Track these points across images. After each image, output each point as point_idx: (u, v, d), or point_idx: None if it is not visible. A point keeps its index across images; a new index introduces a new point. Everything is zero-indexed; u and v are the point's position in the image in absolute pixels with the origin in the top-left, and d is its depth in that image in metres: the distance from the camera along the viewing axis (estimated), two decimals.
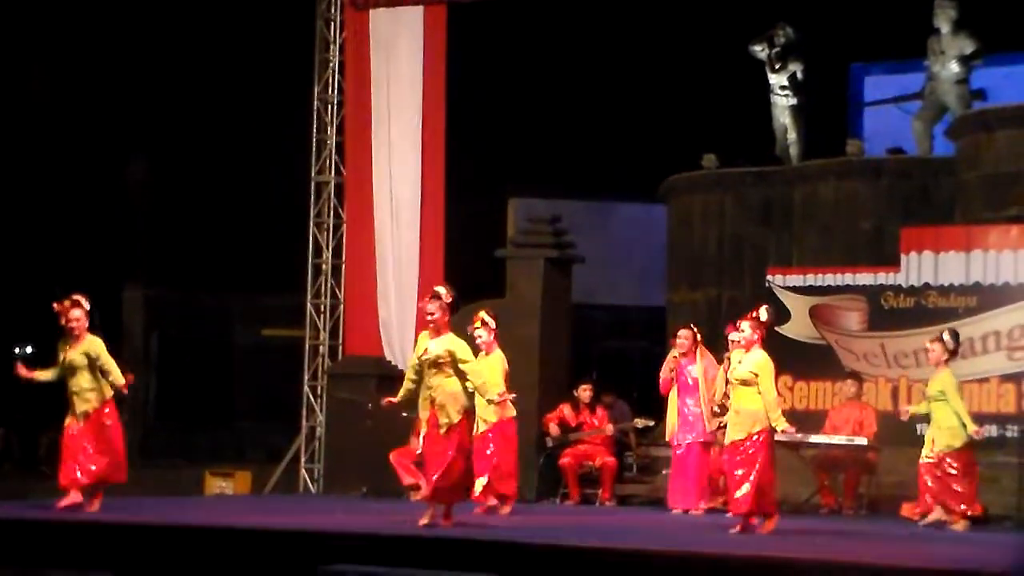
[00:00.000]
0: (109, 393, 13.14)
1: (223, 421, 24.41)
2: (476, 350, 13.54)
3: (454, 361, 11.82)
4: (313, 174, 18.81)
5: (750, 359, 12.19)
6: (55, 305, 13.13)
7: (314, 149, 18.80)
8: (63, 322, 13.11)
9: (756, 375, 12.10)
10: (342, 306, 18.63)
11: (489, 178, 21.09)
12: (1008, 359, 15.26)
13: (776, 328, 16.05)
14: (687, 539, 11.57)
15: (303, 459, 18.31)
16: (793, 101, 17.81)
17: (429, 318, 11.87)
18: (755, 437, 12.08)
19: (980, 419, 15.14)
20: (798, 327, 16.24)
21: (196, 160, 24.52)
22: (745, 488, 12.02)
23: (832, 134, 18.37)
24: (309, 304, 18.70)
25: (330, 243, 18.69)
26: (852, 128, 19.88)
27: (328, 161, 18.79)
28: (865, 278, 16.13)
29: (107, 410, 13.13)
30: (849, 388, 15.61)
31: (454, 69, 18.59)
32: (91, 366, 13.05)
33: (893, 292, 15.90)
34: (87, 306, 13.11)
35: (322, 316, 18.56)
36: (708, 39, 19.88)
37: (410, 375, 12.17)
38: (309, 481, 18.21)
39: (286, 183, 19.98)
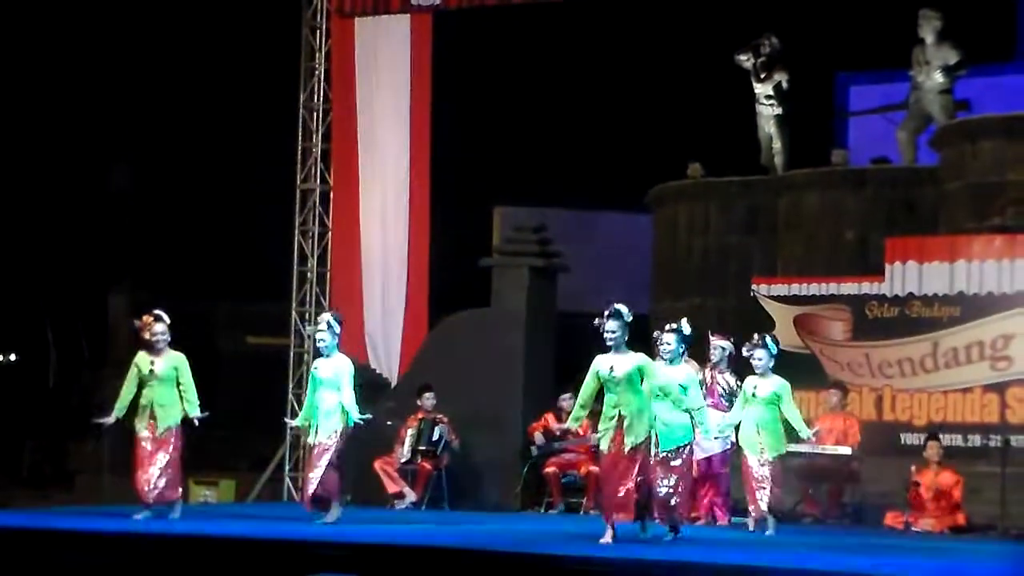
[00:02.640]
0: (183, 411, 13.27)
1: (207, 429, 24.33)
2: (317, 353, 13.45)
3: (642, 378, 11.67)
4: (298, 182, 18.81)
5: (676, 372, 12.21)
6: (136, 321, 13.28)
7: (299, 157, 18.80)
8: (147, 336, 13.20)
9: (685, 388, 12.14)
10: None
11: (474, 187, 21.10)
12: (991, 369, 15.31)
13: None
14: (669, 548, 11.57)
15: (287, 467, 18.30)
16: (778, 111, 17.83)
17: (610, 335, 11.64)
18: (682, 449, 12.15)
19: (963, 429, 15.27)
20: (782, 336, 16.17)
21: (181, 167, 24.50)
22: (675, 500, 12.08)
23: (817, 144, 18.41)
24: (294, 312, 18.70)
25: (315, 251, 18.69)
26: (837, 138, 19.92)
27: (313, 169, 18.80)
28: (849, 288, 16.16)
29: (181, 428, 13.25)
30: (833, 397, 15.63)
31: (440, 77, 18.61)
32: (176, 381, 13.15)
33: (877, 302, 15.94)
34: (168, 320, 13.22)
35: (307, 324, 18.54)
36: (693, 48, 19.92)
37: (584, 401, 11.85)
38: (293, 489, 18.18)
39: (271, 191, 19.97)
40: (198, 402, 13.22)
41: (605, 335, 11.67)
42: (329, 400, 13.02)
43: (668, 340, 12.27)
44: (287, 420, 13.31)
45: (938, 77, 16.97)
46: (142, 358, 13.16)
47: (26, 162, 24.48)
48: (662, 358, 12.31)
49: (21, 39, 23.10)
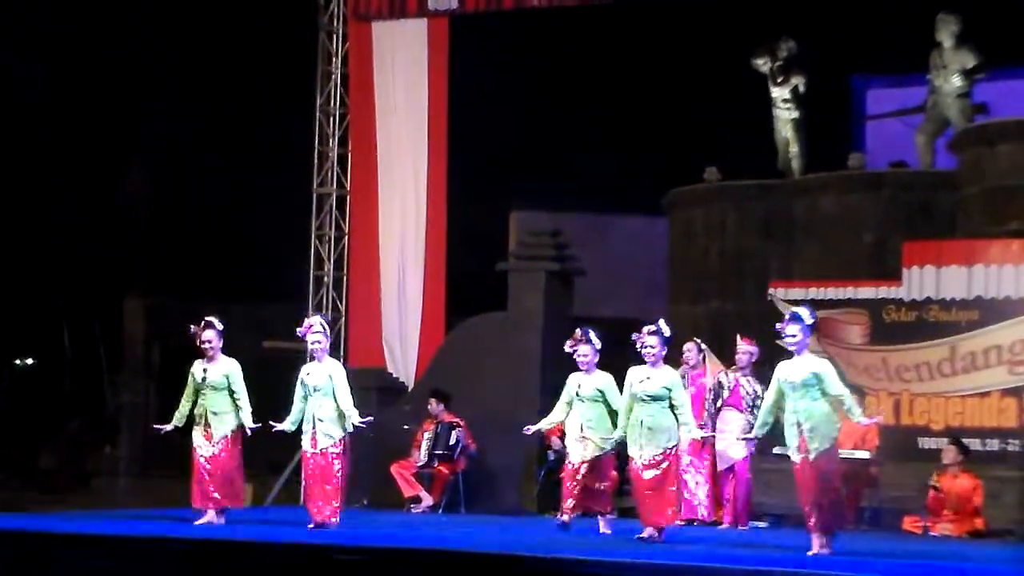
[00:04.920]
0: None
1: None
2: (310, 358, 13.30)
3: (820, 383, 11.48)
4: (315, 186, 18.82)
5: (661, 374, 12.20)
6: (192, 327, 13.21)
7: (316, 161, 18.81)
8: (197, 343, 13.18)
9: (670, 390, 12.15)
10: (343, 318, 18.63)
11: (491, 191, 21.08)
12: (1009, 373, 15.27)
13: (778, 341, 16.09)
14: (685, 552, 11.55)
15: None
16: (795, 114, 17.81)
17: (790, 339, 11.53)
18: (669, 452, 12.17)
19: (981, 434, 15.22)
20: None
21: (196, 170, 24.53)
22: (664, 501, 12.13)
23: (834, 147, 18.36)
24: (310, 316, 18.66)
25: (331, 255, 18.70)
26: (854, 141, 19.87)
27: (330, 173, 18.81)
28: (867, 292, 16.13)
29: (238, 434, 13.24)
30: None
31: (456, 81, 18.60)
32: (229, 388, 13.14)
33: (895, 306, 15.91)
34: (220, 327, 13.19)
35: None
36: (710, 52, 19.88)
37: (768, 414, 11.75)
38: None
39: (287, 194, 19.98)
40: (250, 410, 13.17)
41: (787, 339, 11.51)
42: (326, 407, 12.89)
43: (654, 343, 12.23)
44: (273, 423, 13.20)
45: (956, 81, 16.94)
46: (196, 365, 13.22)
47: (42, 166, 24.52)
48: (646, 361, 12.27)
49: (36, 42, 23.14)
